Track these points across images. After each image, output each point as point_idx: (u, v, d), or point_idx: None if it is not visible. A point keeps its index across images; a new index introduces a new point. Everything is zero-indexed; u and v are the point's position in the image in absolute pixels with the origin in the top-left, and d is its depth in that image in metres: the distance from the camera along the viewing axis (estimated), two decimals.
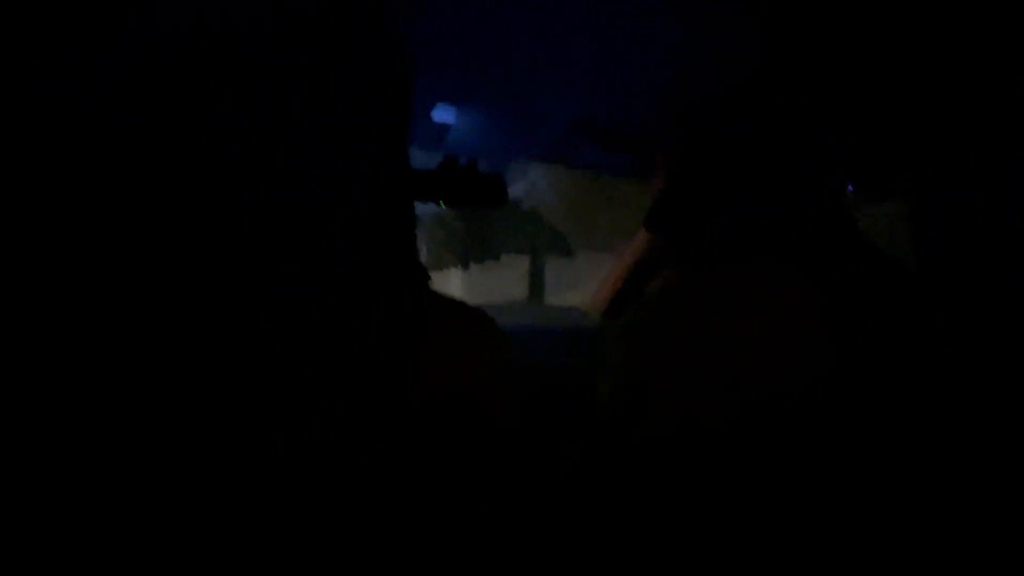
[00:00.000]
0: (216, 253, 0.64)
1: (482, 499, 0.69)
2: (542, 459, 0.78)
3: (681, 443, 0.82)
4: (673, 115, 1.09)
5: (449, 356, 0.73)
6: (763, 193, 0.96)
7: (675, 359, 0.86)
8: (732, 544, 0.77)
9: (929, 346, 0.79)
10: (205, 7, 0.62)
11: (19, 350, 0.57)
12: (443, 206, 2.29)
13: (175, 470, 0.60)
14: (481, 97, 1.78)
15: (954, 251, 0.93)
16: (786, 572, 0.75)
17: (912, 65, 1.17)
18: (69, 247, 0.60)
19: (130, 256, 0.61)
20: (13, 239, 0.58)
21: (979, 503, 0.74)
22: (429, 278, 0.79)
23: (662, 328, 0.90)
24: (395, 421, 0.67)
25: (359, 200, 0.79)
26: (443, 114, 1.85)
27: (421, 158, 2.25)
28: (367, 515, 0.63)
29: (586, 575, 0.79)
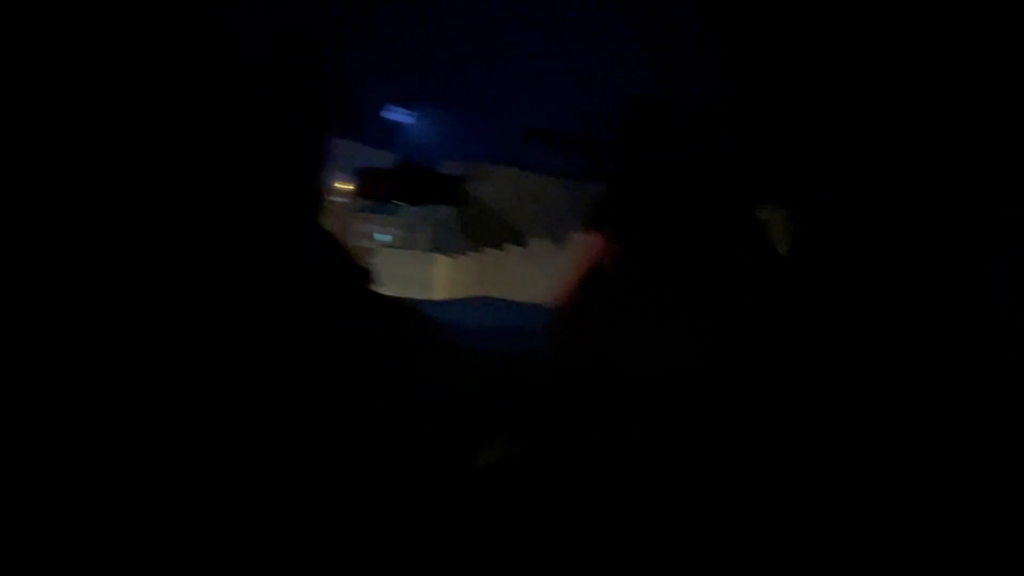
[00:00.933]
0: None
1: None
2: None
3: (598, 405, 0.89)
4: (623, 122, 1.13)
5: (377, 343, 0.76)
6: (693, 205, 1.01)
7: (596, 339, 0.93)
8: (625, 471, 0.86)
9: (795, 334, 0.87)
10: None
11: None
12: (399, 205, 2.31)
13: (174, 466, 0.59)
14: (436, 102, 1.81)
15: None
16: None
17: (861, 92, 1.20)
18: None
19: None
20: None
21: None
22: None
23: (589, 315, 0.98)
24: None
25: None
26: (398, 115, 1.88)
27: (379, 157, 2.27)
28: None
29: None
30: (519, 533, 0.87)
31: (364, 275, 0.83)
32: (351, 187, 2.17)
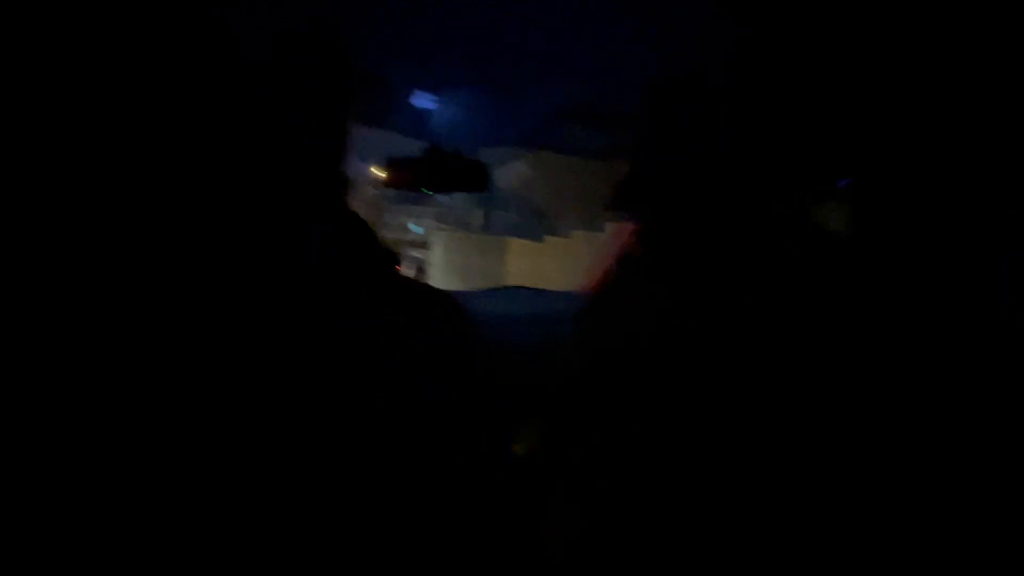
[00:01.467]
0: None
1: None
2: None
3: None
4: (644, 97, 1.10)
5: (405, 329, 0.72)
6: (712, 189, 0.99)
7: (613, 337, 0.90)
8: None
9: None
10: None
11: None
12: (427, 192, 2.29)
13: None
14: (463, 85, 1.78)
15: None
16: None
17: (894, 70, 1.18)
18: None
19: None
20: None
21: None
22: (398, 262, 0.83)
23: (618, 302, 0.94)
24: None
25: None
26: (424, 100, 1.85)
27: (405, 145, 2.24)
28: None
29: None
30: (544, 525, 0.86)
31: (391, 266, 0.80)
32: (379, 177, 2.15)
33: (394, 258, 0.82)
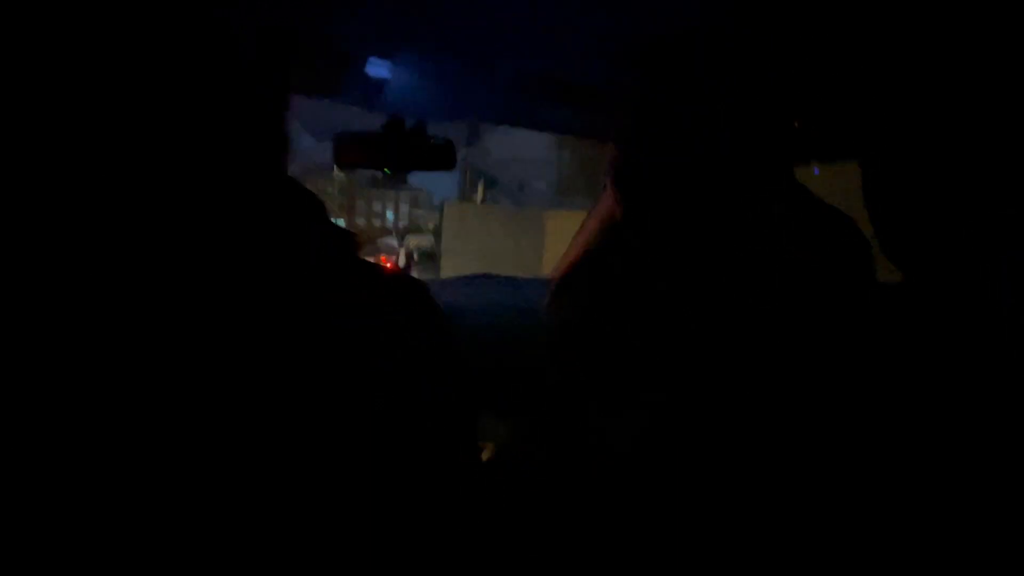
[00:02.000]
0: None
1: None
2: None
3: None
4: (629, 63, 1.05)
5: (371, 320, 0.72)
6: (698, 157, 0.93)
7: (588, 316, 0.92)
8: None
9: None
10: None
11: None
12: (388, 172, 2.10)
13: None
14: (420, 48, 1.59)
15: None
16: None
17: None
18: None
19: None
20: None
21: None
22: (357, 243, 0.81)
23: (583, 286, 0.97)
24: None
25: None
26: (379, 69, 1.65)
27: (363, 120, 2.05)
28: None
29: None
30: (528, 523, 0.88)
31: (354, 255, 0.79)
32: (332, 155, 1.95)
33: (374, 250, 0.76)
